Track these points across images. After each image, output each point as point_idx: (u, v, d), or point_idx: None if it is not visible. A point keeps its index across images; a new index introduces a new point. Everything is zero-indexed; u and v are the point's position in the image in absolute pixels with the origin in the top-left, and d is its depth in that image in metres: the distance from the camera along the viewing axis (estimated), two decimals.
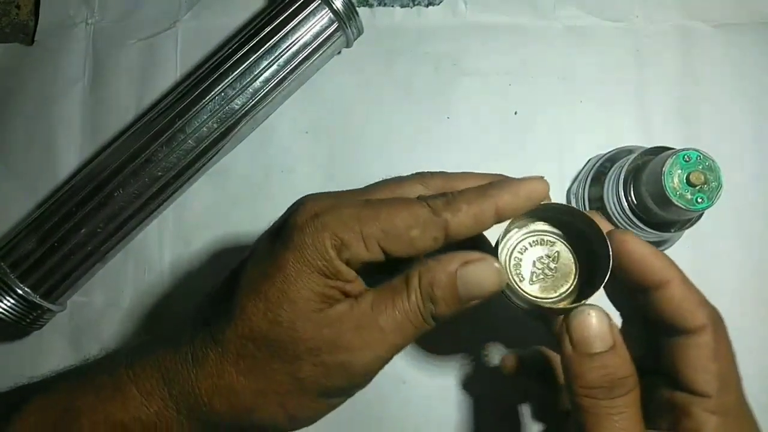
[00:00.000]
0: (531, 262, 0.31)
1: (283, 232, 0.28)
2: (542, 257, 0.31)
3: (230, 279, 0.30)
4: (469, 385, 0.44)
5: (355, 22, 0.44)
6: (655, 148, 0.40)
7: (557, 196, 0.46)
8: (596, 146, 0.45)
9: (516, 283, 0.30)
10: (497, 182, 0.29)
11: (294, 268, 0.27)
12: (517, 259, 0.31)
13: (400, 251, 0.27)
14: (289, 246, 0.27)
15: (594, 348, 0.27)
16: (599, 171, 0.43)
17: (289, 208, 0.29)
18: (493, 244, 0.29)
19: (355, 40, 0.45)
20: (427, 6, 0.49)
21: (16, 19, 0.50)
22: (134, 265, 0.46)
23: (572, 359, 0.27)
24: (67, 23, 0.49)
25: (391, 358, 0.28)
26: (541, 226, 0.31)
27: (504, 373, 0.38)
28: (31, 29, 0.49)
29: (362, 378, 0.28)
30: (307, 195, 0.29)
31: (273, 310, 0.27)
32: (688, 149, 0.36)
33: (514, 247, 0.31)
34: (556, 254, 0.31)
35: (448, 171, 0.31)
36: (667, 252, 0.43)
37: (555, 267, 0.31)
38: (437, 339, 0.43)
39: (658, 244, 0.42)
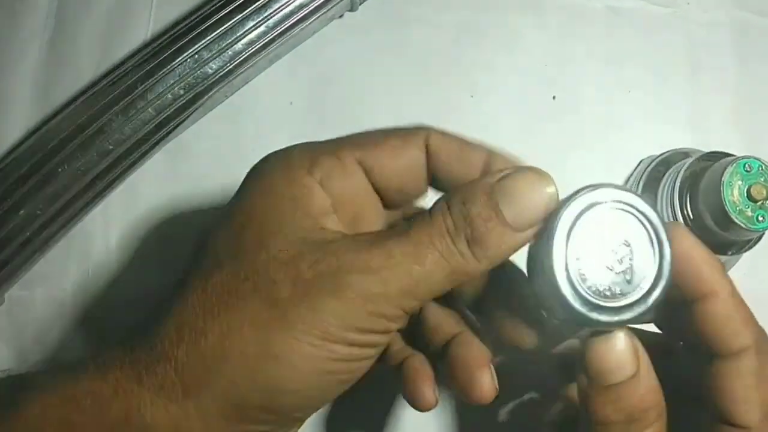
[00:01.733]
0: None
1: (247, 178, 0.25)
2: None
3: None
4: None
5: None
6: (713, 153, 0.36)
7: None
8: (647, 145, 0.41)
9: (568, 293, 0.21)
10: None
11: (260, 186, 0.24)
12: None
13: (383, 166, 0.24)
14: (256, 168, 0.25)
15: (613, 379, 0.22)
16: (652, 176, 0.38)
17: None
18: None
19: (361, 3, 0.41)
20: None
21: None
22: (78, 255, 0.40)
23: (587, 394, 0.23)
24: None
25: (406, 295, 0.22)
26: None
27: None
28: None
29: (363, 313, 0.22)
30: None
31: (240, 231, 0.23)
32: (749, 157, 0.33)
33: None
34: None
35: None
36: None
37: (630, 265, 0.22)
38: None
39: None
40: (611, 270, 0.21)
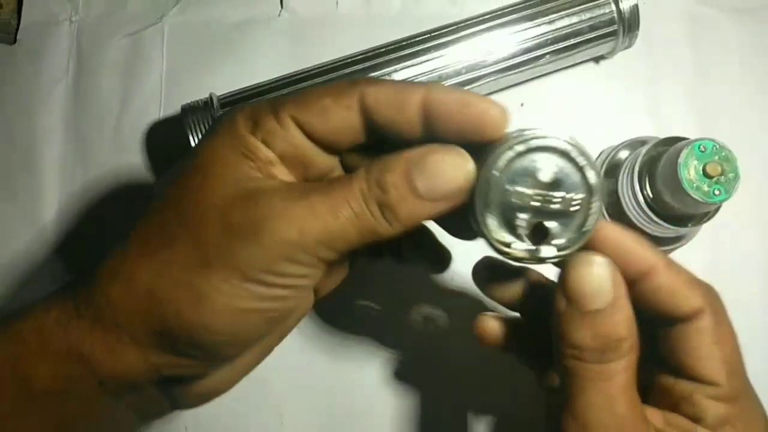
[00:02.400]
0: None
1: (199, 140, 0.26)
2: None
3: None
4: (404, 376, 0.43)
5: (633, 33, 0.43)
6: (669, 138, 0.38)
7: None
8: (607, 136, 0.44)
9: (487, 223, 0.23)
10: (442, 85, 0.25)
11: (207, 148, 0.24)
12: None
13: (315, 124, 0.24)
14: (205, 134, 0.25)
15: (591, 305, 0.23)
16: (612, 163, 0.41)
17: None
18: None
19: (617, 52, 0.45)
20: None
21: None
22: None
23: (563, 317, 0.24)
24: (50, 21, 0.47)
25: (321, 244, 0.23)
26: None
27: (483, 341, 0.30)
28: (14, 28, 0.47)
29: (282, 256, 0.23)
30: None
31: (183, 184, 0.24)
32: (703, 139, 0.35)
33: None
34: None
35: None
36: (686, 247, 0.42)
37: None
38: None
39: (675, 239, 0.40)
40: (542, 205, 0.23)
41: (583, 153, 0.23)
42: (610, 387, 0.23)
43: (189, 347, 0.24)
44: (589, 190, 0.23)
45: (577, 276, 0.23)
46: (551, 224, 0.23)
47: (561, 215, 0.23)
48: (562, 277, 0.24)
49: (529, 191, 0.23)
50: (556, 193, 0.23)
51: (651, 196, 0.38)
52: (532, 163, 0.23)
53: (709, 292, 0.26)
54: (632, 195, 0.38)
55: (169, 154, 0.45)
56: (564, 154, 0.23)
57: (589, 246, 0.24)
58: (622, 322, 0.23)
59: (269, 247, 0.23)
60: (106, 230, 0.43)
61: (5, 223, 0.45)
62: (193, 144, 0.39)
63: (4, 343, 0.25)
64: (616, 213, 0.39)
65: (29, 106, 0.46)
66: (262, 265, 0.23)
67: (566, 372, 0.24)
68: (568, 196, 0.23)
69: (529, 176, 0.23)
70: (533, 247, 0.23)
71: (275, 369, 0.28)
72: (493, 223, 0.23)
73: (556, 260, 0.24)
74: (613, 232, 0.25)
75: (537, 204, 0.23)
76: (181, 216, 0.24)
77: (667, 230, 0.38)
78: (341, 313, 0.43)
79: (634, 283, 0.25)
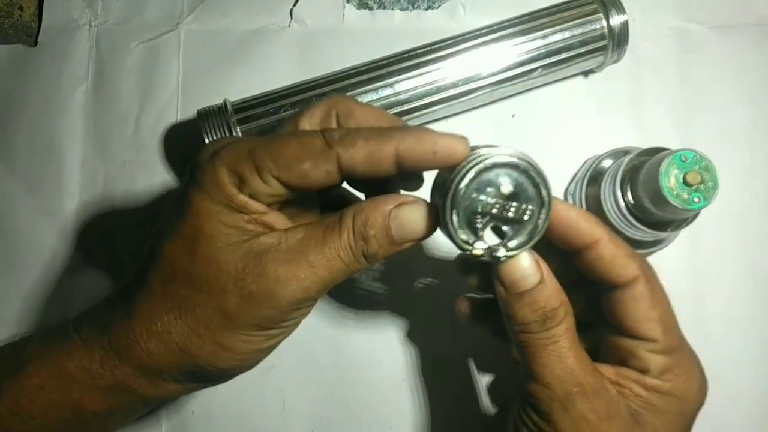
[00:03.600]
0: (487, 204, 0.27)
1: (189, 173, 0.28)
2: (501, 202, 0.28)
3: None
4: (414, 338, 0.45)
5: (622, 48, 0.45)
6: (651, 148, 0.40)
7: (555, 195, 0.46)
8: (593, 146, 0.46)
9: (453, 228, 0.27)
10: (408, 127, 0.29)
11: (202, 205, 0.27)
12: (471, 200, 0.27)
13: (296, 183, 0.27)
14: (193, 185, 0.27)
15: (523, 286, 0.28)
16: (596, 171, 0.43)
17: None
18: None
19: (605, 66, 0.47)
20: (426, 9, 0.49)
21: (19, 21, 0.50)
22: None
23: (506, 301, 0.29)
24: (70, 25, 0.49)
25: (320, 291, 0.28)
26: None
27: (460, 319, 0.36)
28: (35, 31, 0.49)
29: (291, 309, 0.28)
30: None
31: (191, 246, 0.27)
32: (684, 149, 0.37)
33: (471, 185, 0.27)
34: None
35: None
36: (665, 250, 0.44)
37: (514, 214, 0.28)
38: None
39: (655, 243, 0.42)
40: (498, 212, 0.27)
41: (538, 172, 0.27)
42: (557, 348, 0.28)
43: (218, 379, 0.30)
44: (540, 203, 0.27)
45: (507, 266, 0.29)
46: (506, 228, 0.28)
47: (515, 222, 0.28)
48: (497, 269, 0.29)
49: (491, 200, 0.27)
50: (513, 203, 0.27)
51: (632, 202, 0.40)
52: (496, 177, 0.27)
53: (644, 263, 0.30)
54: (614, 201, 0.40)
55: (186, 154, 0.47)
56: (524, 171, 0.27)
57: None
58: (553, 294, 0.29)
59: (282, 307, 0.28)
60: (125, 227, 0.46)
61: (28, 219, 0.46)
62: None
63: (51, 378, 0.29)
64: (599, 217, 0.41)
65: (51, 107, 0.48)
66: (276, 318, 0.28)
67: (520, 345, 0.29)
68: (523, 207, 0.28)
69: (493, 187, 0.27)
70: (488, 247, 0.28)
71: (277, 356, 0.31)
72: (457, 225, 0.27)
73: (507, 259, 0.28)
74: (563, 208, 0.29)
75: (495, 211, 0.27)
76: (199, 283, 0.27)
77: (646, 234, 0.40)
78: (343, 300, 0.45)
79: (581, 253, 0.30)
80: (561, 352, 0.28)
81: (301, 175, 0.27)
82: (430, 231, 0.28)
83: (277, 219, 0.28)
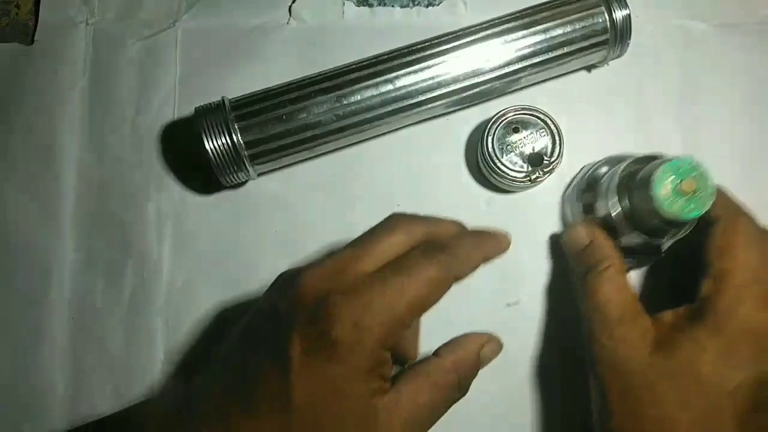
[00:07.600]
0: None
1: (317, 343, 0.28)
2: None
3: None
4: None
5: (625, 42, 0.45)
6: (646, 156, 0.40)
7: (553, 200, 0.46)
8: (591, 151, 0.46)
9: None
10: (482, 234, 0.34)
11: (345, 383, 0.28)
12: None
13: (423, 313, 0.30)
14: (336, 360, 0.28)
15: (577, 246, 0.41)
16: (592, 178, 0.43)
17: (282, 294, 0.31)
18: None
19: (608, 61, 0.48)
20: (426, 6, 0.49)
21: (15, 19, 0.50)
22: (133, 266, 0.46)
23: (572, 257, 0.42)
24: (67, 23, 0.49)
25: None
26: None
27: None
28: (31, 29, 0.49)
29: None
30: (303, 276, 0.30)
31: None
32: (679, 157, 0.36)
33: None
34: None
35: (419, 213, 0.34)
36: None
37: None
38: None
39: (651, 250, 0.41)
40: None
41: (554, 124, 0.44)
42: (608, 282, 0.38)
43: None
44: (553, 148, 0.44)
45: (565, 235, 0.43)
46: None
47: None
48: (561, 238, 0.44)
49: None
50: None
51: (628, 210, 0.39)
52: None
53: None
54: (609, 207, 0.40)
55: (184, 152, 0.47)
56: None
57: None
58: (599, 250, 0.39)
59: None
60: (123, 226, 0.46)
61: (24, 219, 0.46)
62: (207, 145, 0.40)
63: None
64: (595, 224, 0.41)
65: (47, 106, 0.47)
66: None
67: (583, 282, 0.39)
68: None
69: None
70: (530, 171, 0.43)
71: None
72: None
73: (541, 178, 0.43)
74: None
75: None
76: None
77: (642, 242, 0.39)
78: None
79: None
80: (611, 285, 0.38)
81: (431, 305, 0.30)
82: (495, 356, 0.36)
83: (389, 367, 0.30)
